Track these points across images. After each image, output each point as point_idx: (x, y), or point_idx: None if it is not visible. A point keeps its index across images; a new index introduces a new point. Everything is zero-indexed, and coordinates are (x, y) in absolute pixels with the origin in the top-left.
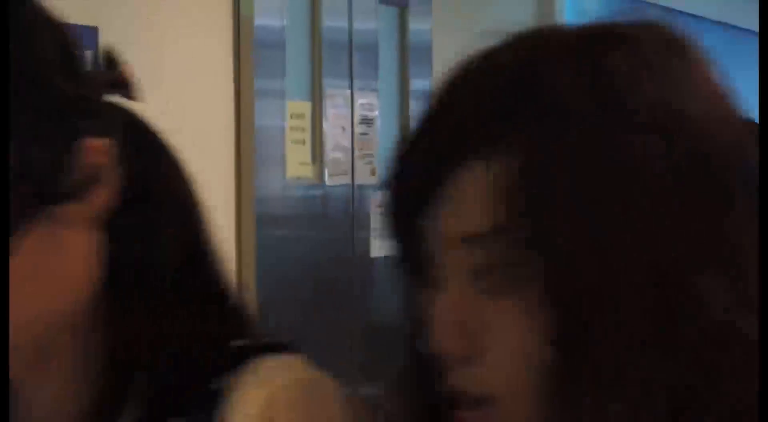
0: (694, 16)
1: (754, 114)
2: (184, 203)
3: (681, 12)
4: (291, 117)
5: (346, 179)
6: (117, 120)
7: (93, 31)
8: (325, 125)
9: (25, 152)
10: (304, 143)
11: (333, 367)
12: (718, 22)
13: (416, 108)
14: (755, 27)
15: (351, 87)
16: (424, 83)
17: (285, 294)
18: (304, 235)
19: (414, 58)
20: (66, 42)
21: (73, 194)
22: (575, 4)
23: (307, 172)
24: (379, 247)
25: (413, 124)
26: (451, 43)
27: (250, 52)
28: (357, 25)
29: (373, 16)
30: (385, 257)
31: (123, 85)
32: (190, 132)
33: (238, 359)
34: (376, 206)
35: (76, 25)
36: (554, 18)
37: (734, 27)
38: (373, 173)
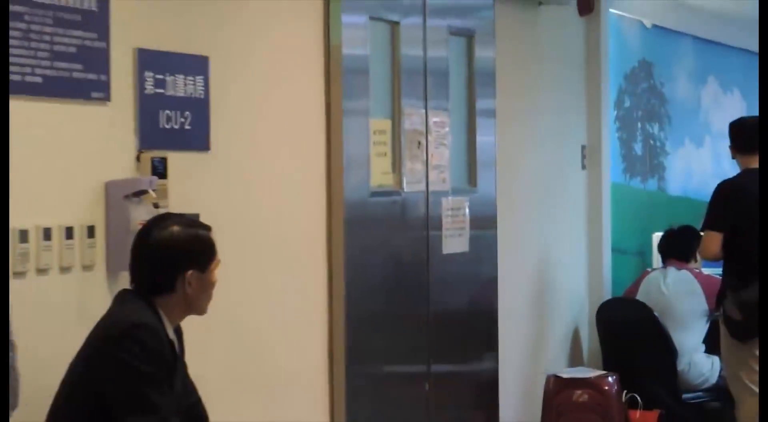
0: (721, 44)
1: None
2: None
3: (710, 41)
4: (374, 133)
5: (421, 187)
6: None
7: (204, 60)
8: (403, 140)
9: None
10: (385, 155)
11: (408, 348)
12: (743, 49)
13: (482, 125)
14: None
15: (425, 107)
16: (488, 103)
17: (369, 286)
18: (385, 235)
19: (480, 81)
20: None
21: None
22: (617, 34)
23: (388, 180)
24: (450, 245)
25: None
26: (512, 68)
27: (338, 77)
28: (430, 53)
29: (444, 45)
30: (455, 254)
31: None
32: (288, 146)
33: None
34: (446, 209)
35: (190, 55)
36: (599, 43)
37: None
38: (444, 181)
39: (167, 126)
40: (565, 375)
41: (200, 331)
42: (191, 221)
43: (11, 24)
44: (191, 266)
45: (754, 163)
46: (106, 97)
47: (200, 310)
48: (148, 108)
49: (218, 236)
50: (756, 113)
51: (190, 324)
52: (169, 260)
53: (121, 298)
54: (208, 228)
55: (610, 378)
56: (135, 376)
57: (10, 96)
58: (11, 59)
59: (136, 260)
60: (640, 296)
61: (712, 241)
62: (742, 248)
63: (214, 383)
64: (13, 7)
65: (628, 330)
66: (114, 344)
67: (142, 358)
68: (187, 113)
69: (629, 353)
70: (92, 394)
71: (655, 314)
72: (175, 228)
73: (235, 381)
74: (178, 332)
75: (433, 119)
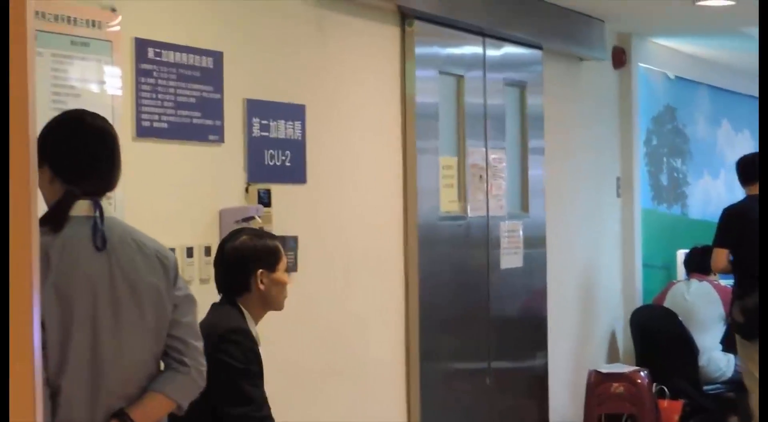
0: (733, 92)
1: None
2: None
3: (723, 89)
4: (443, 168)
5: (482, 212)
6: None
7: (301, 107)
8: (467, 174)
9: None
10: (452, 186)
11: (472, 347)
12: (752, 96)
13: (533, 160)
14: None
15: (485, 146)
16: (538, 142)
17: (439, 295)
18: (453, 253)
19: (531, 124)
20: None
21: None
22: (645, 84)
23: (455, 207)
24: (506, 261)
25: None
26: (558, 113)
27: (413, 122)
28: (489, 100)
29: (501, 95)
30: (511, 269)
31: None
32: (372, 180)
33: None
34: (503, 231)
35: (290, 104)
36: (631, 92)
37: None
38: (501, 207)
39: (270, 163)
40: (604, 370)
41: (301, 330)
42: (259, 232)
43: (142, 79)
44: (260, 266)
45: (755, 190)
46: (221, 139)
47: (277, 306)
48: (254, 148)
49: (314, 253)
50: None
51: (294, 323)
52: (241, 263)
53: (213, 308)
54: (274, 237)
55: (642, 373)
56: (232, 373)
57: (142, 139)
58: (142, 108)
59: (217, 269)
60: (667, 303)
61: (720, 256)
62: (743, 263)
63: (311, 371)
64: (143, 65)
65: (657, 332)
66: (213, 347)
67: (237, 357)
68: (287, 152)
69: (658, 351)
70: None
71: (680, 319)
72: (244, 237)
73: (329, 371)
74: None
75: (492, 156)
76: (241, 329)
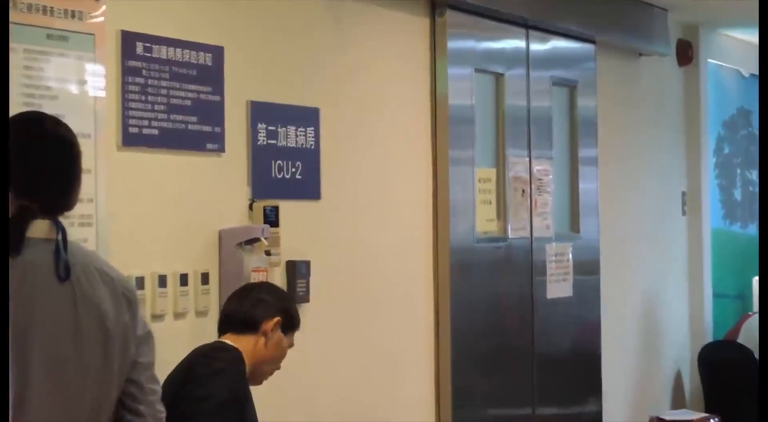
0: None
1: None
2: None
3: None
4: (479, 181)
5: (525, 233)
6: None
7: (315, 111)
8: (508, 188)
9: None
10: (490, 202)
11: (513, 390)
12: None
13: (584, 172)
14: None
15: (529, 155)
16: (590, 152)
17: (475, 329)
18: (491, 280)
19: (582, 130)
20: None
21: None
22: (715, 83)
23: (493, 227)
24: (554, 290)
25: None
26: (613, 117)
27: (445, 127)
28: (534, 102)
29: (547, 95)
30: (559, 298)
31: None
32: (397, 195)
33: None
34: (550, 255)
35: (301, 107)
36: (699, 92)
37: None
38: (548, 227)
39: (279, 176)
40: (668, 418)
41: (315, 368)
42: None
43: (130, 79)
44: (281, 316)
45: None
46: (221, 149)
47: (260, 373)
48: (260, 158)
49: (328, 281)
50: None
51: (306, 361)
52: (269, 301)
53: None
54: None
55: (712, 421)
56: (211, 387)
57: (129, 148)
58: (129, 113)
59: (236, 299)
60: (741, 339)
61: None
62: None
63: (326, 415)
64: (131, 63)
65: (729, 372)
66: (196, 362)
67: (220, 371)
68: (298, 162)
69: (731, 395)
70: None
71: (756, 357)
72: (280, 288)
73: (348, 415)
74: None
75: (536, 167)
76: (229, 347)
